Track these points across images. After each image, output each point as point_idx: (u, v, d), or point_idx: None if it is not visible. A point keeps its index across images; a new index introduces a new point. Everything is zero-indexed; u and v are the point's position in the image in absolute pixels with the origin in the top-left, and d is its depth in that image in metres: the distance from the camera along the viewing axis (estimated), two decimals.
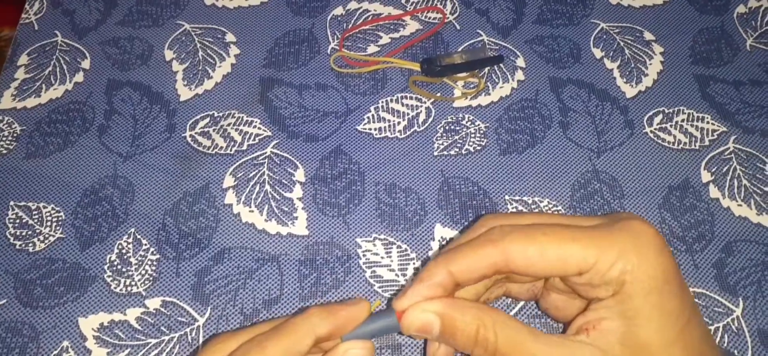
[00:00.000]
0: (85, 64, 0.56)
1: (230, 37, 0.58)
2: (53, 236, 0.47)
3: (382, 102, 0.54)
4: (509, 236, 0.31)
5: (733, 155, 0.51)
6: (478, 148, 0.51)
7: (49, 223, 0.48)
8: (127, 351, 0.42)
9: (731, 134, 0.52)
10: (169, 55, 0.56)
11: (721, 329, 0.44)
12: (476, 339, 0.31)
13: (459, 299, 0.32)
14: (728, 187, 0.50)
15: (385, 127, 0.53)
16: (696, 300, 0.45)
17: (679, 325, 0.30)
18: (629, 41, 0.57)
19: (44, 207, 0.48)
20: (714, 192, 0.50)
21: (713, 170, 0.51)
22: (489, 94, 0.54)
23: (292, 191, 0.49)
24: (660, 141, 0.52)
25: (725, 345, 0.43)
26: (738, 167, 0.51)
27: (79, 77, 0.55)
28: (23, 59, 0.56)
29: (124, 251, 0.46)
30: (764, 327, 0.44)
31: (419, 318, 0.31)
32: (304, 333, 0.31)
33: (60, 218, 0.48)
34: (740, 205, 0.49)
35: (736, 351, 0.43)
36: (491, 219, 0.33)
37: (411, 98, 0.54)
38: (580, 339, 0.31)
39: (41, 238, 0.47)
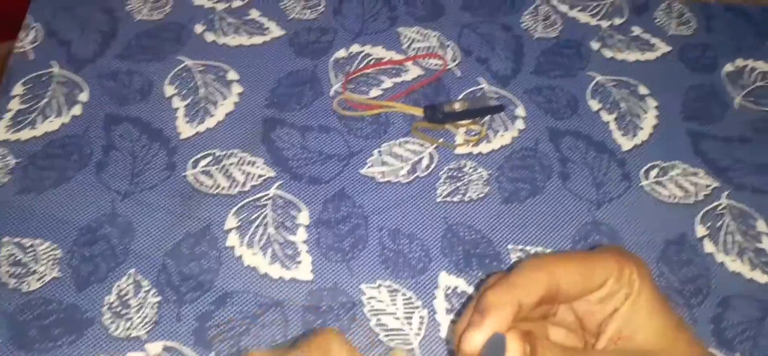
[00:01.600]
0: (83, 96, 0.55)
1: (232, 75, 0.58)
2: (49, 275, 0.46)
3: (385, 146, 0.55)
4: (552, 262, 0.33)
5: (726, 210, 0.53)
6: (481, 195, 0.52)
7: (44, 261, 0.46)
8: None
9: (724, 190, 0.54)
10: (169, 91, 0.56)
11: None
12: None
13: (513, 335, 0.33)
14: (722, 242, 0.52)
15: (388, 171, 0.53)
16: None
17: (677, 314, 0.35)
18: (625, 95, 0.59)
19: (40, 244, 0.47)
20: (709, 247, 0.51)
21: (708, 224, 0.52)
22: (490, 141, 0.55)
23: (295, 234, 0.49)
24: (656, 195, 0.54)
25: None
26: (731, 222, 0.53)
27: (77, 110, 0.55)
28: (18, 89, 0.56)
29: (123, 292, 0.45)
30: None
31: (518, 349, 0.30)
32: None
33: (56, 257, 0.47)
34: (734, 260, 0.51)
35: None
36: (536, 258, 0.35)
37: (414, 142, 0.55)
38: (612, 349, 0.34)
39: (36, 277, 0.46)
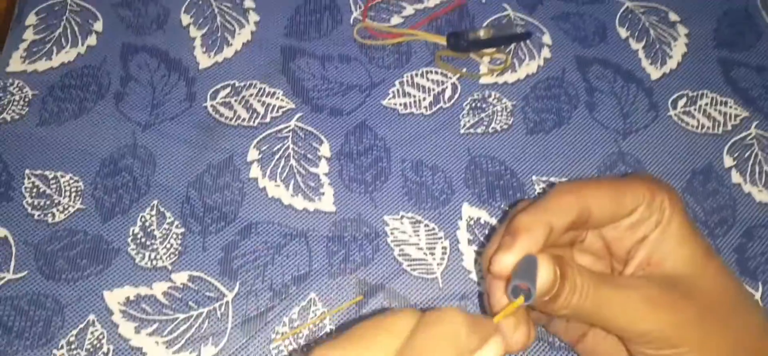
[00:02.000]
0: (98, 26, 0.54)
1: (249, 2, 0.56)
2: (73, 206, 0.46)
3: (407, 76, 0.53)
4: (584, 187, 0.33)
5: (755, 140, 0.52)
6: (505, 127, 0.51)
7: (67, 193, 0.46)
8: (155, 326, 0.42)
9: (753, 120, 0.53)
10: (185, 19, 0.55)
11: None
12: (575, 285, 0.30)
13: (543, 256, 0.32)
14: (750, 172, 0.50)
15: (410, 102, 0.52)
16: None
17: (707, 241, 0.34)
18: (654, 22, 0.57)
19: (62, 176, 0.47)
20: (736, 177, 0.50)
21: (736, 155, 0.51)
22: (515, 71, 0.54)
23: (317, 166, 0.49)
24: (684, 125, 0.52)
25: None
26: (759, 152, 0.51)
27: (92, 40, 0.53)
28: (31, 19, 0.54)
29: (147, 223, 0.45)
30: None
31: (551, 270, 0.30)
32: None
33: (79, 188, 0.46)
34: (761, 191, 0.50)
35: None
36: (567, 184, 0.35)
37: (436, 72, 0.53)
38: (640, 275, 0.34)
39: (60, 208, 0.46)
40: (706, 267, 0.33)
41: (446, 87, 0.53)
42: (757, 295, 0.46)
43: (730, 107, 0.53)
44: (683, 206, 0.34)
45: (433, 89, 0.53)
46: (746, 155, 0.51)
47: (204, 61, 0.53)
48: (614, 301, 0.31)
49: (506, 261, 0.31)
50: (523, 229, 0.31)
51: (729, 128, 0.52)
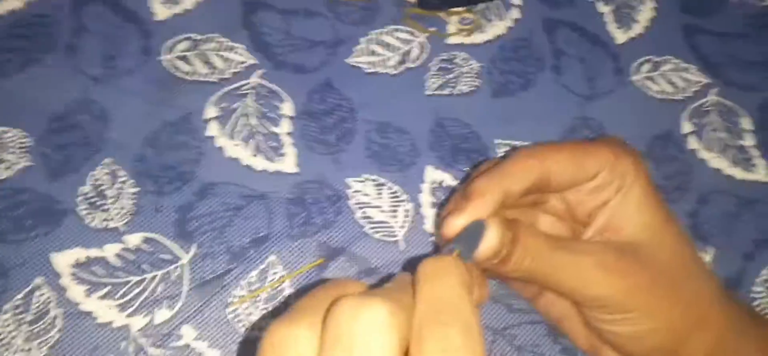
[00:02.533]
0: None
1: None
2: (19, 164, 0.40)
3: (374, 34, 0.48)
4: (544, 151, 0.31)
5: (712, 107, 0.49)
6: (472, 89, 0.47)
7: (13, 150, 0.41)
8: (106, 289, 0.37)
9: (713, 86, 0.49)
10: None
11: None
12: (527, 249, 0.29)
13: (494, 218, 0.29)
14: (706, 139, 0.48)
15: (376, 61, 0.47)
16: None
17: (668, 207, 0.33)
18: None
19: (5, 132, 0.41)
20: (693, 143, 0.47)
21: (694, 120, 0.48)
22: (484, 31, 0.49)
23: (279, 125, 0.44)
24: (646, 90, 0.49)
25: None
26: (717, 119, 0.48)
27: None
28: None
29: (99, 183, 0.40)
30: (731, 274, 0.43)
31: (499, 234, 0.27)
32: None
33: (26, 145, 0.41)
34: (716, 157, 0.47)
35: None
36: (528, 147, 0.32)
37: (404, 31, 0.48)
38: (597, 239, 0.32)
39: (5, 165, 0.40)
40: (663, 234, 0.32)
41: (413, 46, 0.48)
42: (708, 259, 0.43)
43: (692, 73, 0.50)
44: (646, 171, 0.32)
45: (400, 48, 0.48)
46: (704, 121, 0.48)
47: (161, 12, 0.46)
48: (567, 265, 0.29)
49: (456, 224, 0.28)
50: (477, 193, 0.29)
51: (690, 94, 0.49)
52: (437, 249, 0.40)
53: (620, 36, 0.50)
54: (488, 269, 0.29)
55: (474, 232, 0.28)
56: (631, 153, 0.32)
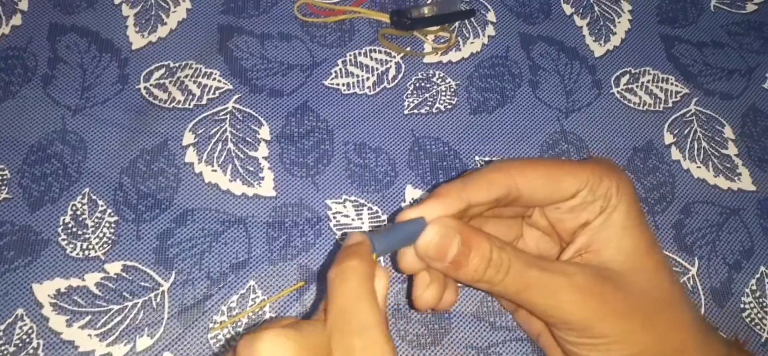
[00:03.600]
0: (23, 4, 0.52)
1: None
2: None
3: (350, 55, 0.53)
4: (517, 165, 0.34)
5: (694, 117, 0.53)
6: (449, 107, 0.51)
7: None
8: (87, 318, 0.41)
9: (693, 96, 0.54)
10: None
11: None
12: (490, 260, 0.31)
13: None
14: (689, 149, 0.52)
15: (353, 82, 0.52)
16: None
17: (652, 234, 0.35)
18: None
19: None
20: (675, 154, 0.52)
21: (675, 131, 0.53)
22: (460, 49, 0.54)
23: (257, 149, 0.48)
24: (626, 102, 0.53)
25: None
26: (698, 129, 0.53)
27: (17, 20, 0.51)
28: None
29: (78, 212, 0.44)
30: (716, 285, 0.47)
31: (441, 233, 0.31)
32: (372, 301, 0.29)
33: (5, 177, 0.45)
34: (699, 167, 0.51)
35: None
36: (501, 161, 0.35)
37: (380, 51, 0.53)
38: (576, 260, 0.34)
39: None
40: (644, 260, 0.34)
41: (390, 66, 0.53)
42: (693, 270, 0.47)
43: (672, 83, 0.55)
44: (633, 194, 0.34)
45: (377, 69, 0.52)
46: (686, 131, 0.53)
47: (137, 41, 0.51)
48: (541, 284, 0.31)
49: (405, 216, 0.32)
50: (438, 195, 0.32)
51: (670, 104, 0.54)
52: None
53: (598, 49, 0.55)
54: (448, 274, 0.32)
55: (411, 226, 0.31)
56: (617, 176, 0.34)
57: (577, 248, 0.34)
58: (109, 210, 0.45)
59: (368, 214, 0.47)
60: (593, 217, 0.34)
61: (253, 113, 0.49)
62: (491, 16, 0.56)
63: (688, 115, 0.53)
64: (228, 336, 0.42)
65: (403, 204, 0.47)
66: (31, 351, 0.40)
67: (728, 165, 0.52)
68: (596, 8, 0.57)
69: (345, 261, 0.28)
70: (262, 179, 0.47)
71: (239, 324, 0.42)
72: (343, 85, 0.51)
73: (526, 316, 0.40)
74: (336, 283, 0.28)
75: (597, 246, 0.34)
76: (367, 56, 0.53)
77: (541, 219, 0.38)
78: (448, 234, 0.31)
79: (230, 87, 0.50)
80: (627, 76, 0.54)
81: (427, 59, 0.53)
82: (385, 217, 0.47)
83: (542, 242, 0.39)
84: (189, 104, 0.49)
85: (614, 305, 0.32)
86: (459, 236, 0.31)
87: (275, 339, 0.25)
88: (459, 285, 0.39)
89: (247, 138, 0.48)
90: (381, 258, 0.31)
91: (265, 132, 0.49)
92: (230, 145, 0.48)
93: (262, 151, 0.48)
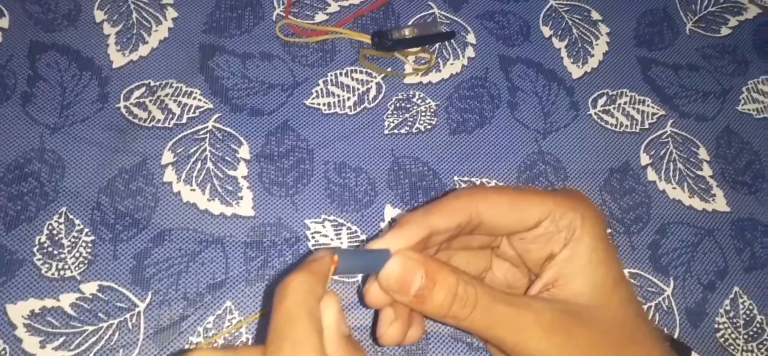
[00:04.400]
0: (3, 22, 0.52)
1: None
2: None
3: (331, 75, 0.53)
4: (480, 192, 0.33)
5: (669, 138, 0.54)
6: (429, 127, 0.52)
7: None
8: (61, 339, 0.41)
9: (669, 118, 0.55)
10: (99, 16, 0.53)
11: (653, 308, 0.47)
12: (455, 294, 0.31)
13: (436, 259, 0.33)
14: (665, 170, 0.53)
15: (334, 102, 0.52)
16: (631, 281, 0.48)
17: (621, 269, 0.34)
18: (577, 20, 0.58)
19: None
20: (651, 175, 0.52)
21: (652, 153, 0.53)
22: (440, 70, 0.54)
23: (236, 168, 0.48)
24: (603, 123, 0.54)
25: (656, 322, 0.46)
26: (674, 150, 0.54)
27: None
28: None
29: (55, 232, 0.44)
30: (691, 305, 0.47)
31: (404, 265, 0.30)
32: (313, 309, 0.28)
33: None
34: (675, 188, 0.52)
35: (665, 328, 0.47)
36: (465, 188, 0.35)
37: (361, 72, 0.53)
38: (543, 295, 0.33)
39: None
40: (611, 295, 0.33)
41: (371, 87, 0.53)
42: (668, 291, 0.48)
43: (648, 105, 0.55)
44: (600, 228, 0.34)
45: (358, 89, 0.53)
46: (662, 153, 0.53)
47: (118, 59, 0.51)
48: (508, 320, 0.31)
49: (371, 247, 0.31)
50: (401, 225, 0.32)
51: (646, 126, 0.54)
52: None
53: (576, 71, 0.56)
54: (414, 307, 0.32)
55: (382, 260, 0.30)
56: (583, 208, 0.34)
57: (545, 282, 0.34)
58: (86, 230, 0.44)
59: (347, 233, 0.47)
60: (558, 249, 0.34)
61: (233, 132, 0.49)
62: (471, 37, 0.56)
63: (664, 136, 0.54)
64: None
65: (382, 224, 0.47)
66: None
67: (703, 186, 0.52)
68: (575, 31, 0.58)
69: (292, 276, 0.28)
70: (241, 198, 0.47)
71: (215, 345, 0.42)
72: (324, 104, 0.52)
73: (496, 351, 0.39)
74: (277, 299, 0.27)
75: (563, 281, 0.33)
76: (348, 76, 0.53)
77: (508, 250, 0.37)
78: (411, 267, 0.30)
79: (211, 106, 0.50)
80: (604, 98, 0.55)
81: (407, 80, 0.53)
82: (364, 237, 0.47)
83: (510, 273, 0.38)
84: (169, 123, 0.49)
85: (579, 341, 0.32)
86: (423, 270, 0.30)
87: None
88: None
89: (227, 157, 0.48)
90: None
91: (244, 151, 0.49)
92: (209, 164, 0.48)
93: (242, 170, 0.48)
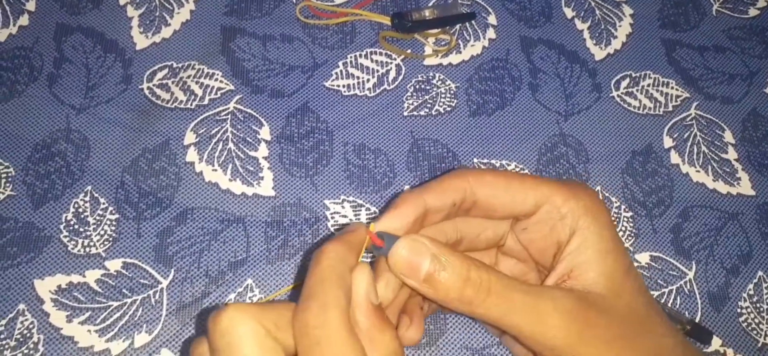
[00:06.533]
0: (30, 5, 0.52)
1: None
2: (3, 193, 0.45)
3: (351, 57, 0.53)
4: (476, 172, 0.34)
5: (694, 121, 0.53)
6: (448, 109, 0.51)
7: None
8: (87, 314, 0.42)
9: (694, 100, 0.54)
10: None
11: (674, 291, 0.46)
12: (467, 279, 0.30)
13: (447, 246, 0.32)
14: (688, 153, 0.52)
15: (353, 84, 0.52)
16: (652, 264, 0.47)
17: (630, 258, 0.34)
18: (600, 1, 0.57)
19: None
20: (675, 158, 0.51)
21: (675, 135, 0.52)
22: (460, 52, 0.54)
23: (257, 149, 0.48)
24: (626, 106, 0.53)
25: (677, 306, 0.46)
26: (698, 133, 0.53)
27: (24, 20, 0.52)
28: None
29: (80, 210, 0.45)
30: (713, 289, 0.47)
31: (412, 247, 0.30)
32: (345, 275, 0.29)
33: (9, 175, 0.46)
34: (698, 171, 0.51)
35: (686, 312, 0.46)
36: (462, 168, 0.36)
37: (381, 53, 0.53)
38: (560, 286, 0.33)
39: None
40: (623, 284, 0.33)
41: (390, 68, 0.53)
42: (690, 274, 0.47)
43: (672, 87, 0.54)
44: (605, 217, 0.34)
45: (377, 71, 0.52)
46: (685, 136, 0.52)
47: (141, 41, 0.52)
48: (525, 307, 0.31)
49: (375, 228, 0.32)
50: (397, 204, 0.32)
51: (670, 108, 0.53)
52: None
53: (599, 52, 0.55)
54: (425, 294, 0.31)
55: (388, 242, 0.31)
56: (586, 197, 0.34)
57: (560, 273, 0.34)
58: (110, 208, 0.45)
59: (366, 214, 0.47)
60: (565, 238, 0.33)
61: (254, 114, 0.50)
62: (492, 19, 0.56)
63: (688, 119, 0.53)
64: None
65: None
66: (32, 346, 0.40)
67: (728, 170, 0.51)
68: (597, 12, 0.57)
69: (328, 244, 0.29)
70: (262, 178, 0.47)
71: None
72: (344, 86, 0.52)
73: (511, 342, 0.39)
74: (312, 263, 0.29)
75: (578, 272, 0.33)
76: (367, 58, 0.53)
77: (514, 245, 0.37)
78: (419, 249, 0.30)
79: (232, 88, 0.50)
80: (627, 80, 0.54)
81: (427, 61, 0.53)
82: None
83: (517, 268, 0.38)
84: (191, 104, 0.49)
85: (597, 331, 0.32)
86: (430, 252, 0.30)
87: (236, 312, 0.26)
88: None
89: (248, 138, 0.49)
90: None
91: (265, 132, 0.49)
92: (231, 145, 0.48)
93: (262, 151, 0.48)
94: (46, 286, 0.42)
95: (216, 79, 0.51)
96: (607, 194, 0.49)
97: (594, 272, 0.33)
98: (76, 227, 0.44)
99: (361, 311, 0.28)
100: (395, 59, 0.53)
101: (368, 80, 0.52)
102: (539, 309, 0.31)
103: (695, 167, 0.51)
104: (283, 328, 0.27)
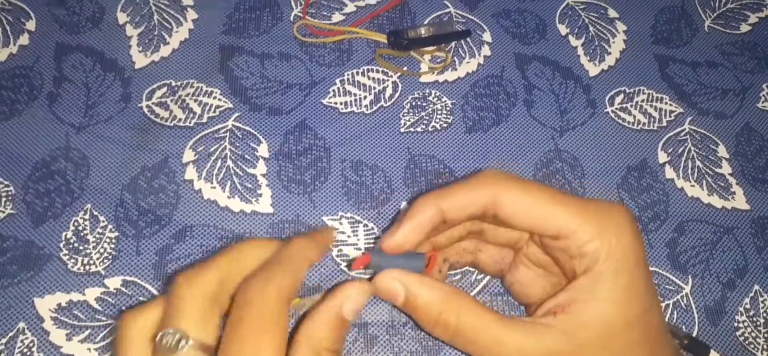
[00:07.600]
0: (30, 25, 0.53)
1: None
2: (3, 212, 0.45)
3: (348, 75, 0.54)
4: (503, 182, 0.32)
5: (688, 136, 0.54)
6: (445, 125, 0.52)
7: None
8: (87, 332, 0.42)
9: (687, 115, 0.55)
10: (122, 18, 0.54)
11: (671, 306, 0.47)
12: (436, 320, 0.32)
13: (429, 278, 0.33)
14: (683, 168, 0.53)
15: (351, 101, 0.53)
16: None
17: (642, 308, 0.32)
18: (593, 18, 0.59)
19: None
20: (669, 173, 0.52)
21: (670, 150, 0.53)
22: (455, 69, 0.55)
23: (255, 166, 0.49)
24: (620, 121, 0.54)
25: (674, 321, 0.47)
26: (692, 148, 0.53)
27: (24, 40, 0.53)
28: None
29: (80, 228, 0.45)
30: (710, 303, 0.47)
31: (387, 285, 0.33)
32: (301, 262, 0.32)
33: (9, 193, 0.46)
34: (693, 185, 0.52)
35: (683, 327, 0.46)
36: (490, 171, 0.34)
37: (377, 71, 0.54)
38: (547, 321, 0.32)
39: None
40: (617, 339, 0.31)
41: (387, 86, 0.54)
42: (687, 289, 0.48)
43: (666, 103, 0.55)
44: (628, 262, 0.31)
45: (374, 88, 0.53)
46: (680, 150, 0.53)
47: (140, 60, 0.52)
48: (499, 344, 0.31)
49: (390, 240, 0.33)
50: (412, 212, 0.33)
51: (664, 123, 0.54)
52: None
53: (593, 69, 0.56)
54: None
55: (415, 261, 0.34)
56: (612, 237, 0.31)
57: (558, 302, 0.32)
58: (110, 226, 0.46)
59: (364, 231, 0.47)
60: (579, 271, 0.32)
61: (252, 131, 0.50)
62: (487, 36, 0.57)
63: (682, 134, 0.54)
64: None
65: None
66: None
67: (722, 184, 0.52)
68: (591, 29, 0.58)
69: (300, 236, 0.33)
70: (260, 195, 0.48)
71: None
72: (341, 103, 0.52)
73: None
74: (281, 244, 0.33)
75: (575, 308, 0.32)
76: (364, 75, 0.54)
77: (533, 251, 0.37)
78: (394, 288, 0.32)
79: (230, 105, 0.51)
80: (621, 96, 0.55)
81: (423, 79, 0.54)
82: (381, 234, 0.47)
83: (535, 280, 0.38)
84: (190, 122, 0.50)
85: None
86: (403, 293, 0.32)
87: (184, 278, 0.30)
88: None
89: (246, 156, 0.49)
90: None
91: (263, 150, 0.50)
92: (229, 162, 0.49)
93: (261, 168, 0.49)
94: (46, 304, 0.43)
95: (214, 98, 0.51)
96: None
97: (589, 315, 0.31)
98: (76, 245, 0.45)
99: (328, 314, 0.31)
100: (392, 77, 0.54)
101: (365, 97, 0.53)
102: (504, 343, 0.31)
103: (690, 182, 0.52)
104: (228, 288, 0.30)
